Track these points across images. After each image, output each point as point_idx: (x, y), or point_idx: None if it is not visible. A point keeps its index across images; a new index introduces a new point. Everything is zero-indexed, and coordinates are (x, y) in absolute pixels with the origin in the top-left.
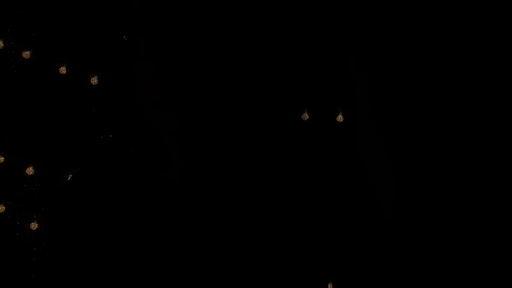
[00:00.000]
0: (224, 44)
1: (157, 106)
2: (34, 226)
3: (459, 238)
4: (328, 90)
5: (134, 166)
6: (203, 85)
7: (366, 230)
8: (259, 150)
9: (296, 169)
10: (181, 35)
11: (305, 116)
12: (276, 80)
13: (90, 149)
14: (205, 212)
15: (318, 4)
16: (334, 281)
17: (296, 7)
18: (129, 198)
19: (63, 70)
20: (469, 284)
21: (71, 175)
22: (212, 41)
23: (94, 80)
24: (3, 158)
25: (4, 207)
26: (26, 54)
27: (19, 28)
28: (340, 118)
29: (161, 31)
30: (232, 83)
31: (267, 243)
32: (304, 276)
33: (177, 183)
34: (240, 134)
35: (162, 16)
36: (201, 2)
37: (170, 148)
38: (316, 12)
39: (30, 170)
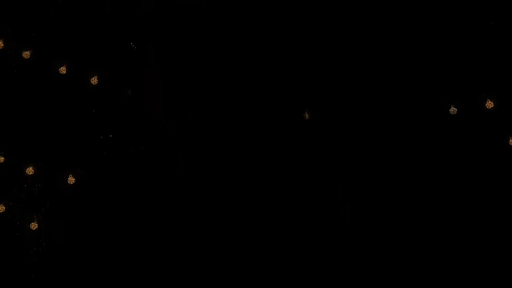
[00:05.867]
0: (231, 50)
1: (165, 109)
2: (34, 226)
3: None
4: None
5: (134, 166)
6: (209, 89)
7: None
8: (262, 151)
9: (296, 169)
10: (189, 43)
11: (306, 116)
12: (277, 82)
13: (90, 149)
14: (209, 212)
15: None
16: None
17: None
18: (129, 198)
19: (63, 70)
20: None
21: (71, 175)
22: (219, 47)
23: (94, 80)
24: (3, 158)
25: (4, 207)
26: (26, 54)
27: (19, 28)
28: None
29: (169, 39)
30: (237, 87)
31: (270, 243)
32: (306, 277)
33: (181, 184)
34: (244, 136)
35: (170, 24)
36: (209, 10)
37: (177, 151)
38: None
39: (30, 170)
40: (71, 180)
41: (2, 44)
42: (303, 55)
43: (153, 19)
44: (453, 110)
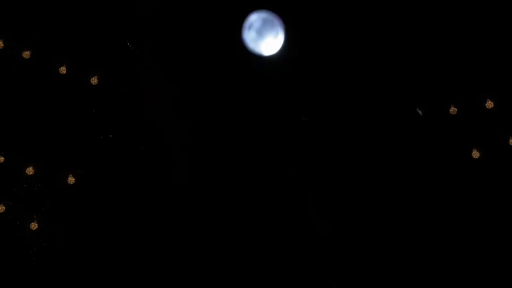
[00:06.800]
0: (230, 50)
1: (164, 111)
2: (34, 226)
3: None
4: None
5: (134, 166)
6: (209, 88)
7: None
8: (262, 151)
9: (295, 171)
10: (185, 43)
11: (303, 118)
12: (277, 82)
13: (90, 149)
14: (209, 212)
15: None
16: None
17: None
18: (129, 198)
19: (63, 70)
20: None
21: (71, 175)
22: (216, 46)
23: (94, 80)
24: (3, 158)
25: (4, 207)
26: (26, 54)
27: (19, 28)
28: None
29: (166, 39)
30: (237, 87)
31: (270, 244)
32: (307, 278)
33: (184, 185)
34: (244, 138)
35: (167, 24)
36: (205, 9)
37: (177, 151)
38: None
39: (30, 170)
40: (71, 180)
41: (2, 44)
42: (301, 55)
43: (150, 19)
44: (453, 110)
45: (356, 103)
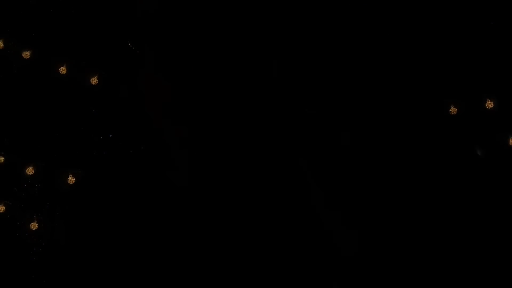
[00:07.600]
0: (230, 50)
1: (165, 111)
2: (34, 226)
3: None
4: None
5: (134, 166)
6: (209, 89)
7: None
8: (262, 152)
9: (294, 169)
10: (187, 43)
11: (307, 111)
12: (276, 81)
13: (90, 149)
14: (208, 212)
15: None
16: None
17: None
18: (129, 198)
19: (63, 70)
20: None
21: (71, 175)
22: (217, 46)
23: (94, 80)
24: (3, 158)
25: (4, 207)
26: (26, 54)
27: (19, 28)
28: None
29: (167, 39)
30: (236, 87)
31: (270, 244)
32: (308, 278)
33: (183, 185)
34: (244, 137)
35: (168, 24)
36: (206, 9)
37: (177, 151)
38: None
39: (30, 170)
40: (71, 180)
41: (2, 44)
42: (301, 55)
43: (151, 19)
44: (453, 110)
45: (356, 100)
